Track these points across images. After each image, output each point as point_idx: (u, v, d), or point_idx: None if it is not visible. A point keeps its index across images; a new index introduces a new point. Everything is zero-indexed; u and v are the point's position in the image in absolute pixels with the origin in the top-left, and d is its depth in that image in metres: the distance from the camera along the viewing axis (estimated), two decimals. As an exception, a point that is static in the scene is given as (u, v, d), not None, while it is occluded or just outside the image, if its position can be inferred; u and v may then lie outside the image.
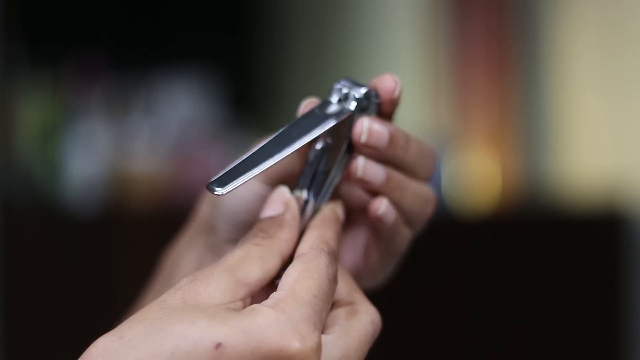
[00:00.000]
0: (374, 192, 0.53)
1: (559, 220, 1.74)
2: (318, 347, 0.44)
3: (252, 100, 2.70)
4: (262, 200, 0.54)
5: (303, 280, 0.46)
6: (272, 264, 0.48)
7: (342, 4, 2.63)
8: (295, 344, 0.43)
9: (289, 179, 0.54)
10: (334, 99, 0.53)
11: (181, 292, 0.45)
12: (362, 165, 0.52)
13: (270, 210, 0.51)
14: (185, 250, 0.59)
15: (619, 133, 1.83)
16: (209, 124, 2.04)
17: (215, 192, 0.48)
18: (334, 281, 0.48)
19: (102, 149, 1.83)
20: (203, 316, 0.43)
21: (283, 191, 0.52)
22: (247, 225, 0.54)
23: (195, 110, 2.06)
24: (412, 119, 2.24)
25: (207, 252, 0.56)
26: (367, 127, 0.52)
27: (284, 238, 0.49)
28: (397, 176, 0.53)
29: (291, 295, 0.45)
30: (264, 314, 0.43)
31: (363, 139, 0.52)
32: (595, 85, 1.88)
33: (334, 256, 0.49)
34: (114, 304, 1.65)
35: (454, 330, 1.62)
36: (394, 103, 0.55)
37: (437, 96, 2.17)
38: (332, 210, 0.53)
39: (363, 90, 0.53)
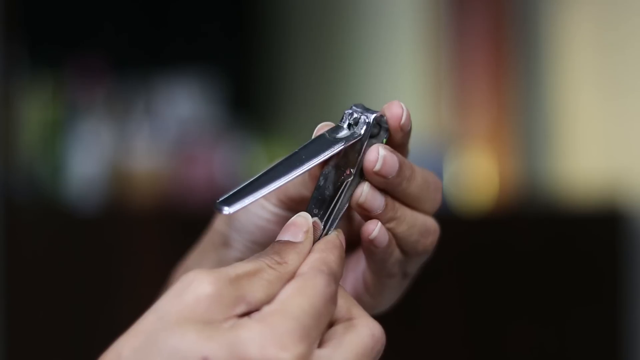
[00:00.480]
0: (369, 217, 0.54)
1: (558, 219, 1.75)
2: (302, 358, 0.45)
3: (252, 102, 2.70)
4: (278, 221, 0.55)
5: (295, 296, 0.47)
6: (276, 290, 0.48)
7: (342, 6, 2.63)
8: (276, 355, 0.44)
9: (301, 201, 0.55)
10: (345, 123, 0.54)
11: (179, 300, 0.45)
12: (366, 192, 0.53)
13: (290, 235, 0.51)
14: (194, 266, 0.60)
15: (618, 132, 1.83)
16: (209, 124, 2.05)
17: (223, 212, 0.49)
18: (331, 302, 0.48)
19: (104, 147, 1.83)
20: (193, 330, 0.44)
21: (306, 218, 0.52)
22: (260, 245, 0.56)
23: (196, 111, 2.07)
24: (412, 119, 2.25)
25: (217, 268, 0.58)
26: (382, 155, 0.53)
27: (295, 268, 0.50)
28: (395, 206, 0.54)
29: (280, 310, 0.46)
30: (248, 327, 0.45)
31: (377, 167, 0.52)
32: (594, 85, 1.89)
33: (335, 278, 0.50)
34: (116, 301, 1.65)
35: (454, 328, 1.62)
36: (404, 130, 0.57)
37: (437, 96, 2.17)
38: (336, 236, 0.53)
39: (373, 116, 0.54)
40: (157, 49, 2.53)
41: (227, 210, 0.49)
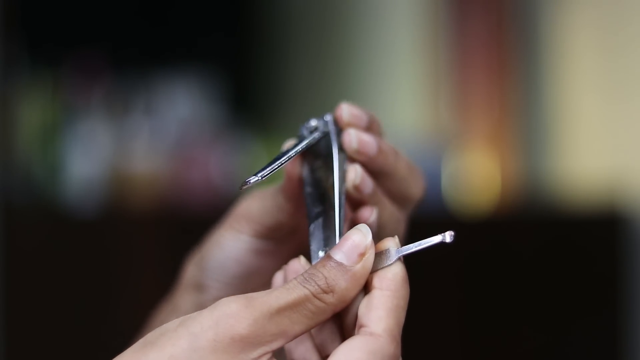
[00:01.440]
0: (357, 203, 0.52)
1: (558, 221, 1.74)
2: None
3: (252, 101, 2.70)
4: (255, 252, 0.53)
5: (356, 352, 0.44)
6: (318, 321, 0.45)
7: (342, 5, 2.63)
8: None
9: (278, 229, 0.54)
10: (306, 132, 0.55)
11: (214, 335, 0.43)
12: (359, 172, 0.51)
13: (344, 256, 0.46)
14: (169, 315, 0.57)
15: (619, 133, 1.83)
16: (209, 124, 2.04)
17: (251, 180, 0.48)
18: None
19: (103, 149, 1.83)
20: None
21: (365, 235, 0.47)
22: (240, 279, 0.54)
23: (196, 110, 2.06)
24: (412, 119, 2.24)
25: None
26: (354, 134, 0.52)
27: (345, 298, 0.46)
28: (380, 191, 0.53)
29: None
30: None
31: (354, 145, 0.52)
32: (595, 85, 1.88)
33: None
34: (115, 304, 1.65)
35: (452, 331, 1.62)
36: (353, 124, 0.54)
37: (437, 96, 2.17)
38: (403, 271, 0.49)
39: (330, 116, 0.54)
40: (156, 48, 2.52)
41: (254, 178, 0.48)
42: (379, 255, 0.47)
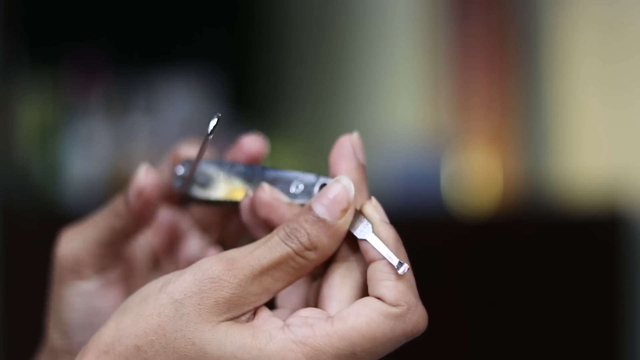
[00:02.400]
0: None
1: (559, 222, 1.74)
2: None
3: (252, 100, 2.70)
4: (105, 288, 0.53)
5: (358, 333, 0.43)
6: (300, 276, 0.45)
7: (342, 4, 2.63)
8: None
9: (116, 245, 0.53)
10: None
11: (199, 299, 0.43)
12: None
13: (326, 211, 0.45)
14: None
15: (620, 133, 1.83)
16: (209, 123, 2.04)
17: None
18: (403, 341, 0.45)
19: (102, 149, 1.83)
20: (213, 342, 0.43)
21: (348, 190, 0.46)
22: (82, 331, 0.53)
23: (196, 109, 2.06)
24: (412, 118, 2.24)
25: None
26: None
27: (326, 254, 0.45)
28: None
29: (328, 338, 0.43)
30: (280, 347, 0.42)
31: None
32: (596, 85, 1.88)
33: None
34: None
35: (452, 333, 1.61)
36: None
37: (437, 96, 2.17)
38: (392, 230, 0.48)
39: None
40: (156, 46, 2.52)
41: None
42: (356, 216, 0.46)
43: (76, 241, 0.54)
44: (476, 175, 1.92)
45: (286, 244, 0.44)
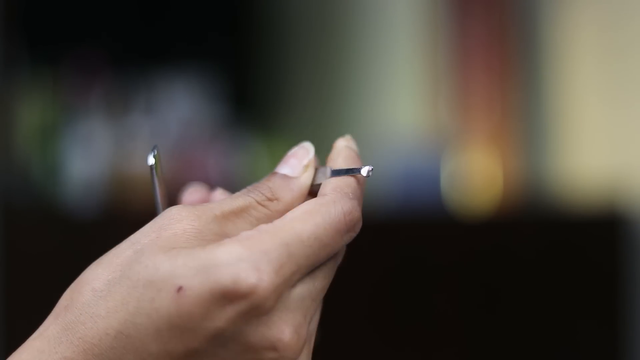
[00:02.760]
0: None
1: (560, 222, 1.74)
2: (277, 288, 0.42)
3: (252, 100, 2.70)
4: None
5: (299, 221, 0.44)
6: None
7: (342, 3, 2.63)
8: (247, 281, 0.41)
9: None
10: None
11: (157, 234, 0.44)
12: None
13: (289, 168, 0.48)
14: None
15: (621, 133, 1.83)
16: (209, 123, 2.04)
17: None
18: (345, 231, 0.45)
19: (102, 149, 1.82)
20: (166, 260, 0.42)
21: (308, 149, 0.49)
22: None
23: (196, 109, 2.06)
24: (412, 118, 2.24)
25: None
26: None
27: (289, 206, 0.47)
28: None
29: (272, 232, 0.43)
30: (227, 249, 0.42)
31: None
32: (597, 84, 1.88)
33: (359, 205, 0.46)
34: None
35: (452, 334, 1.61)
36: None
37: (437, 96, 2.17)
38: (349, 147, 0.50)
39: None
40: (156, 47, 2.52)
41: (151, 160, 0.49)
42: (317, 171, 0.49)
43: None
44: (476, 175, 1.92)
45: (248, 195, 0.46)
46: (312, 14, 2.75)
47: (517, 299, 1.64)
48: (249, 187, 0.47)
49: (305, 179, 0.48)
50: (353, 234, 0.46)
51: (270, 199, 0.47)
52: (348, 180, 0.47)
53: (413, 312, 1.56)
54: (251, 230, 0.44)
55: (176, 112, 2.00)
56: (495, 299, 1.64)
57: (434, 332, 1.60)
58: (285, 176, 0.48)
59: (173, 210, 0.45)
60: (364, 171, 0.48)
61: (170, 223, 0.44)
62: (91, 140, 1.83)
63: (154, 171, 0.50)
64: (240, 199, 0.46)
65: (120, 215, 1.67)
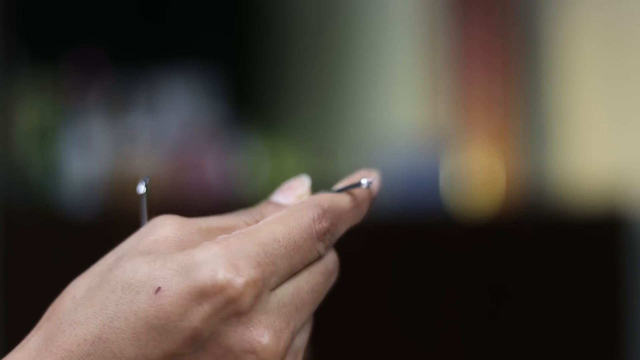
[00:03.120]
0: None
1: (561, 223, 1.73)
2: (255, 284, 0.42)
3: (253, 98, 2.69)
4: None
5: (273, 223, 0.45)
6: None
7: (342, 3, 2.62)
8: (225, 278, 0.41)
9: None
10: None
11: (139, 241, 0.44)
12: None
13: (282, 197, 0.49)
14: None
15: (622, 133, 1.82)
16: (209, 122, 2.04)
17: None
18: (317, 238, 0.45)
19: (102, 149, 1.82)
20: (145, 263, 0.43)
21: (303, 181, 0.50)
22: None
23: (196, 108, 2.06)
24: (412, 117, 2.24)
25: None
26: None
27: None
28: None
29: (248, 233, 0.43)
30: (205, 249, 0.42)
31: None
32: (598, 84, 1.87)
33: (330, 216, 0.46)
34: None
35: (452, 336, 1.61)
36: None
37: (438, 95, 2.16)
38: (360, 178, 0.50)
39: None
40: (156, 45, 2.51)
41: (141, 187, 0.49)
42: None
43: None
44: (476, 176, 1.92)
45: (239, 216, 0.47)
46: (313, 13, 2.75)
47: (518, 299, 1.64)
48: (242, 211, 0.48)
49: None
50: (325, 245, 0.46)
51: (258, 220, 0.47)
52: (327, 195, 0.48)
53: (412, 313, 1.55)
54: (225, 235, 0.44)
55: (176, 112, 2.00)
56: (495, 300, 1.63)
57: (434, 333, 1.60)
58: (277, 204, 0.48)
59: (159, 218, 0.46)
60: (364, 182, 0.49)
61: (154, 229, 0.45)
62: (90, 140, 1.82)
63: (144, 200, 0.51)
64: (229, 218, 0.47)
65: (119, 217, 1.66)
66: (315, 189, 0.53)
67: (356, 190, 0.49)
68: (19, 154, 1.81)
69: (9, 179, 1.73)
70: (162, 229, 0.45)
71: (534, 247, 1.65)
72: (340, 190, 0.49)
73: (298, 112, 2.68)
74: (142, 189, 0.51)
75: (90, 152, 1.80)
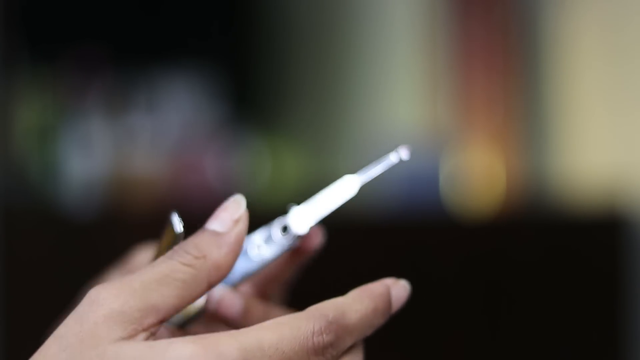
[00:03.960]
0: None
1: (561, 224, 1.73)
2: None
3: (253, 98, 2.69)
4: None
5: (265, 328, 0.41)
6: (194, 292, 0.43)
7: (342, 3, 2.62)
8: None
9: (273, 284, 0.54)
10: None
11: (79, 325, 0.40)
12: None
13: (217, 223, 0.46)
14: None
15: (623, 134, 1.82)
16: (210, 122, 2.03)
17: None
18: (313, 353, 0.41)
19: (102, 149, 1.82)
20: None
21: (239, 202, 0.47)
22: None
23: (197, 108, 2.05)
24: (412, 117, 2.23)
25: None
26: None
27: (218, 264, 0.44)
28: None
29: (231, 334, 0.40)
30: (179, 350, 0.39)
31: None
32: (599, 84, 1.87)
33: (337, 329, 0.43)
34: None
35: (452, 336, 1.61)
36: None
37: (438, 95, 2.16)
38: (384, 286, 0.47)
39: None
40: (156, 45, 2.51)
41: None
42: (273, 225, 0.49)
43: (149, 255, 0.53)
44: (476, 176, 1.92)
45: (172, 258, 0.43)
46: (313, 12, 2.75)
47: (518, 301, 1.63)
48: (175, 248, 0.44)
49: (236, 234, 0.45)
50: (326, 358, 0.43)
51: (197, 257, 0.43)
52: (336, 303, 0.44)
53: (411, 313, 1.55)
54: (205, 335, 0.40)
55: (177, 112, 2.00)
56: (495, 300, 1.63)
57: (434, 333, 1.59)
58: (213, 232, 0.45)
59: (92, 293, 0.41)
60: (394, 156, 0.46)
61: (91, 310, 0.41)
62: (90, 140, 1.82)
63: (181, 239, 0.46)
64: (163, 265, 0.43)
65: (120, 217, 1.66)
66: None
67: (374, 300, 0.46)
68: (19, 154, 1.80)
69: (9, 179, 1.72)
70: (100, 308, 0.41)
71: (534, 247, 1.65)
72: (371, 170, 0.46)
73: (298, 112, 2.68)
74: (179, 227, 0.46)
75: (90, 152, 1.80)
